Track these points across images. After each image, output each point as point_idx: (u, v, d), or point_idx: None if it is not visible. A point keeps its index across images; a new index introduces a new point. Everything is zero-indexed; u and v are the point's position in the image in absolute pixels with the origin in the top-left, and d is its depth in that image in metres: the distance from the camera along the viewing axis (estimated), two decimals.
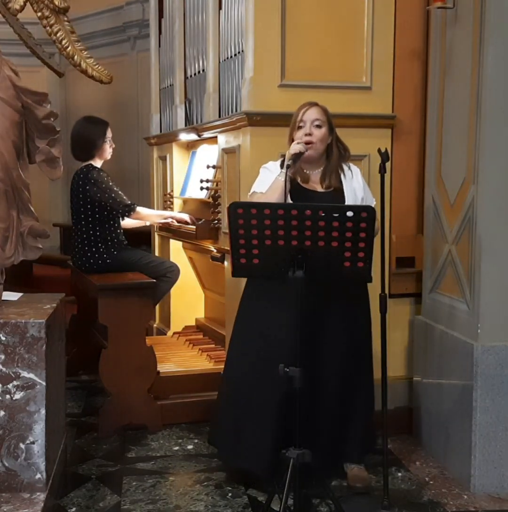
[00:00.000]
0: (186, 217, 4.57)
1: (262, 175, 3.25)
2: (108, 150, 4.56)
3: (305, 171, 3.19)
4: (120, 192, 4.43)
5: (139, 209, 4.48)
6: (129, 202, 4.44)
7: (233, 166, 3.79)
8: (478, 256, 3.21)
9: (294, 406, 2.69)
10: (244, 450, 3.15)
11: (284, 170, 2.99)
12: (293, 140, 3.18)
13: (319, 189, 3.19)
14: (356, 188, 3.20)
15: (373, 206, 3.13)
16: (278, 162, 3.25)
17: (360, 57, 3.72)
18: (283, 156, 3.21)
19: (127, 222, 4.60)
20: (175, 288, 4.67)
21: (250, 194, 3.25)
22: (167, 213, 4.80)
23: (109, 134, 4.55)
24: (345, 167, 3.23)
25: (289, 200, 3.01)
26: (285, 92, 3.62)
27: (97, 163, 4.53)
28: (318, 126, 3.15)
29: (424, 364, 3.69)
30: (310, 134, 3.14)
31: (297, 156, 3.05)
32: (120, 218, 4.48)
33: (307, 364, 2.74)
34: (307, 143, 3.12)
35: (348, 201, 3.15)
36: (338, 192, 3.18)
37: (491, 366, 3.17)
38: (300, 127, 3.17)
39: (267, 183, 3.14)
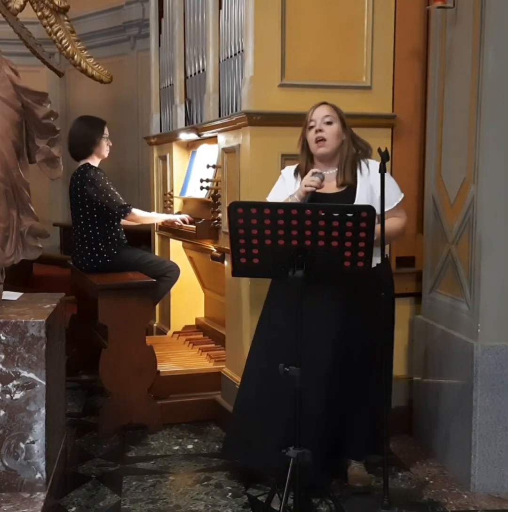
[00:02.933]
0: (179, 219, 4.57)
1: (277, 184, 3.26)
2: (105, 148, 4.57)
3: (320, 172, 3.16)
4: (116, 192, 4.43)
5: (134, 210, 4.48)
6: (125, 203, 4.43)
7: (233, 165, 3.79)
8: (478, 256, 3.21)
9: (295, 405, 2.68)
10: (254, 450, 3.14)
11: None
12: (305, 140, 3.18)
13: (331, 190, 3.14)
14: (373, 185, 3.11)
15: (399, 200, 3.18)
16: (293, 169, 3.26)
17: (360, 57, 3.72)
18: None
19: (127, 221, 4.60)
20: (175, 288, 4.67)
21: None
22: (162, 216, 4.80)
23: (106, 132, 4.56)
24: (363, 164, 3.18)
25: None
26: (285, 91, 3.62)
27: (95, 161, 4.54)
28: (329, 123, 3.13)
29: (424, 364, 3.69)
30: (321, 130, 3.12)
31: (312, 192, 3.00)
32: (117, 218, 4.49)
33: (309, 361, 2.73)
34: (318, 139, 3.11)
35: (360, 199, 3.09)
36: (351, 190, 3.14)
37: (491, 366, 3.17)
38: (311, 127, 3.15)
39: (280, 194, 3.16)
